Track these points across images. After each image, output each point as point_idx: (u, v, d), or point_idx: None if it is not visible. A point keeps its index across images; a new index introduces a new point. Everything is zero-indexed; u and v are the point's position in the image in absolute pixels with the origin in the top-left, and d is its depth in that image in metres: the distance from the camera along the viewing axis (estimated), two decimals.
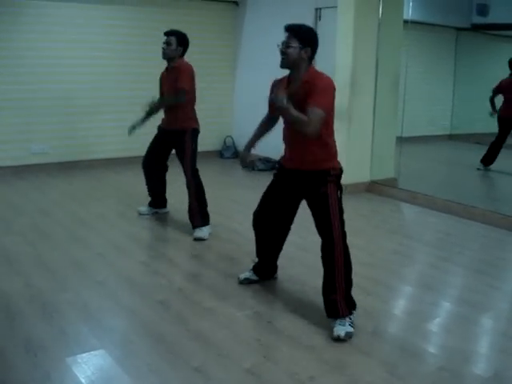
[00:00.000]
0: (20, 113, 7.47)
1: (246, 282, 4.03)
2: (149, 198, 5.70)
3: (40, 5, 7.41)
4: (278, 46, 3.41)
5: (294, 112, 3.19)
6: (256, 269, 4.05)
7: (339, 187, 3.43)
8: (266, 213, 3.76)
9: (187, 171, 5.12)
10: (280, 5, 8.08)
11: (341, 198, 3.43)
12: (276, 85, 3.55)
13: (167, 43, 5.12)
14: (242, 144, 8.94)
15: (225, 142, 9.15)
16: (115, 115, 8.07)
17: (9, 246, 4.73)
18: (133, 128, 5.35)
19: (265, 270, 4.05)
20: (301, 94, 3.30)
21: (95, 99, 7.96)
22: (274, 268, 4.08)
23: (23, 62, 7.39)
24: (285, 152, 3.63)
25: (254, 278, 4.05)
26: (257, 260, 4.04)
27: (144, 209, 5.74)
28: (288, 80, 3.46)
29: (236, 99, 9.23)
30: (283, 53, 3.38)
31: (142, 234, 5.30)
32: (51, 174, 7.49)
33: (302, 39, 3.36)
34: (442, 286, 4.18)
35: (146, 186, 5.63)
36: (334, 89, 3.33)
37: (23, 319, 3.43)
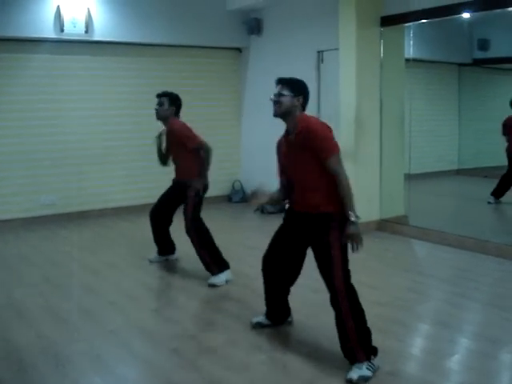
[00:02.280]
0: (28, 165, 7.55)
1: (258, 326, 3.99)
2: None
3: (47, 58, 7.57)
4: (271, 98, 3.51)
5: (352, 208, 3.28)
6: (268, 314, 4.01)
7: (342, 234, 3.34)
8: (275, 257, 3.74)
9: (186, 222, 5.13)
10: (282, 49, 8.21)
11: (346, 245, 3.36)
12: (278, 146, 3.68)
13: (159, 104, 5.26)
14: (250, 188, 9.06)
15: (233, 186, 9.17)
16: (123, 164, 8.15)
17: (20, 298, 4.72)
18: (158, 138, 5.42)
19: (276, 315, 4.00)
20: (299, 142, 3.38)
21: (103, 149, 8.05)
22: (287, 312, 4.03)
23: (31, 114, 7.51)
24: (294, 195, 3.61)
25: (266, 322, 4.00)
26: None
27: (154, 256, 5.73)
28: (286, 132, 3.56)
29: (243, 143, 9.30)
30: (276, 102, 3.49)
31: (154, 281, 5.27)
32: (61, 225, 7.51)
33: (294, 88, 3.49)
34: (459, 323, 4.12)
35: (152, 235, 5.64)
36: (331, 130, 3.40)
37: (36, 371, 3.40)
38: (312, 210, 3.41)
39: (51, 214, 7.73)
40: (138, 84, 8.22)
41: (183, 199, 5.21)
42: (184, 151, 5.18)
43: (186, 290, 5.00)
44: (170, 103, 5.25)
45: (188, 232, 5.13)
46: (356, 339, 3.29)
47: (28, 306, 4.55)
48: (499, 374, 3.37)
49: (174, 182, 5.43)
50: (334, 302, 3.35)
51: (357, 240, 3.25)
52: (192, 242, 5.13)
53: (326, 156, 3.28)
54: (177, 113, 5.33)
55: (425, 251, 6.24)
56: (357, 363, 3.28)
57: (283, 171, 3.65)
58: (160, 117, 5.29)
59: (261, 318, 4.02)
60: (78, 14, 7.34)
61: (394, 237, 6.67)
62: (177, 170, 5.39)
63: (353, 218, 3.23)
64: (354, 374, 3.21)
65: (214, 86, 8.95)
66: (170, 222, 5.55)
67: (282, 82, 3.55)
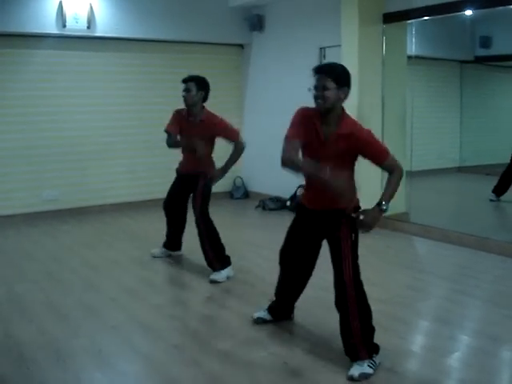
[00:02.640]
0: (30, 160, 7.55)
1: (259, 321, 3.98)
2: (162, 240, 5.69)
3: (49, 54, 7.57)
4: (310, 90, 3.25)
5: (390, 198, 3.18)
6: (272, 309, 3.99)
7: (354, 230, 3.33)
8: (292, 250, 3.69)
9: (196, 215, 5.09)
10: (284, 45, 8.21)
11: (356, 241, 3.35)
12: (306, 118, 3.31)
13: (187, 90, 5.01)
14: (251, 184, 9.07)
15: (234, 182, 9.18)
16: (125, 160, 8.15)
17: (22, 294, 4.73)
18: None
19: (281, 311, 3.99)
20: (340, 145, 3.23)
21: (105, 145, 8.05)
22: (291, 309, 4.03)
23: (33, 110, 7.51)
24: (307, 192, 3.55)
25: (268, 317, 4.00)
26: (274, 299, 3.99)
27: (157, 251, 5.73)
28: (320, 118, 3.29)
29: (245, 139, 9.27)
30: (319, 97, 3.20)
31: (155, 277, 5.28)
32: (63, 220, 7.52)
33: (338, 79, 3.21)
34: (460, 320, 4.12)
35: (165, 227, 5.61)
36: (369, 130, 3.29)
37: (37, 367, 3.41)
38: (328, 207, 3.37)
39: (53, 209, 7.73)
40: (139, 80, 8.23)
41: (191, 189, 5.17)
42: (208, 143, 5.09)
43: (188, 285, 5.01)
44: (197, 88, 4.99)
45: (197, 222, 5.08)
46: (360, 337, 3.29)
47: (29, 301, 4.56)
48: (499, 372, 3.37)
49: (182, 174, 5.32)
50: (342, 299, 3.35)
51: (369, 228, 3.19)
52: (199, 233, 5.08)
53: (382, 161, 3.23)
54: (205, 98, 5.11)
55: (426, 248, 6.24)
56: (359, 361, 3.28)
57: (304, 134, 3.29)
58: (189, 104, 5.04)
59: (262, 314, 4.01)
60: (81, 10, 7.33)
61: (394, 234, 6.67)
62: (191, 161, 5.20)
63: (384, 207, 3.15)
64: (356, 372, 3.21)
65: (215, 82, 8.78)
66: (186, 209, 5.46)
67: (322, 71, 3.22)
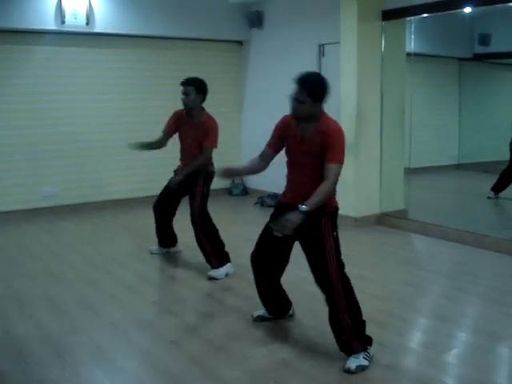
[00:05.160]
0: (30, 157, 7.56)
1: (259, 319, 4.00)
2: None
3: (48, 50, 7.57)
4: (287, 96, 3.38)
5: (313, 205, 3.16)
6: (267, 308, 4.01)
7: (334, 228, 3.40)
8: (263, 254, 3.71)
9: (195, 214, 5.06)
10: (283, 42, 8.20)
11: (337, 238, 3.41)
12: (286, 125, 3.52)
13: (185, 93, 5.03)
14: (250, 181, 9.07)
15: (233, 179, 9.17)
16: (124, 157, 8.14)
17: (21, 289, 4.74)
18: (136, 146, 5.24)
19: (275, 308, 4.00)
20: (317, 141, 3.32)
21: (104, 141, 8.05)
22: (287, 305, 4.04)
23: (32, 106, 7.51)
24: (286, 188, 3.62)
25: (267, 315, 4.01)
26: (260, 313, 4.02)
27: (155, 248, 5.73)
28: (297, 120, 3.44)
29: (243, 137, 9.30)
30: (293, 108, 3.37)
31: (154, 273, 5.29)
32: (62, 217, 7.52)
33: (313, 94, 3.30)
34: (457, 317, 4.13)
35: (154, 226, 5.63)
36: (344, 136, 3.36)
37: (36, 362, 3.41)
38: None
39: (52, 205, 7.75)
40: (138, 76, 8.23)
41: (188, 189, 5.15)
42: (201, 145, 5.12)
43: (187, 282, 5.01)
44: (196, 91, 5.01)
45: (194, 220, 5.06)
46: (352, 332, 3.32)
47: (28, 297, 4.57)
48: (497, 368, 3.38)
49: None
50: (330, 296, 3.36)
51: (286, 228, 3.14)
52: (196, 231, 5.07)
53: (330, 160, 3.25)
54: (203, 100, 5.13)
55: (424, 245, 6.25)
56: (354, 354, 3.31)
57: (274, 146, 3.60)
58: (188, 107, 5.08)
59: (262, 312, 4.02)
60: (79, 6, 7.33)
61: (393, 231, 6.68)
62: (190, 162, 5.18)
63: (305, 209, 3.13)
64: (352, 364, 3.25)
65: (214, 78, 8.89)
66: (173, 214, 5.51)
67: (300, 83, 3.32)
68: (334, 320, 3.38)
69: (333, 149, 3.27)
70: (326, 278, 3.35)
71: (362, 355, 3.30)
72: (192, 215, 5.09)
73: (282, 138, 3.55)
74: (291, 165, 3.55)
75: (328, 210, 3.38)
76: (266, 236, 3.66)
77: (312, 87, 3.32)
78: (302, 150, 3.42)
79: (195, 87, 5.03)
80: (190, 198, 5.16)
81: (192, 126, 5.14)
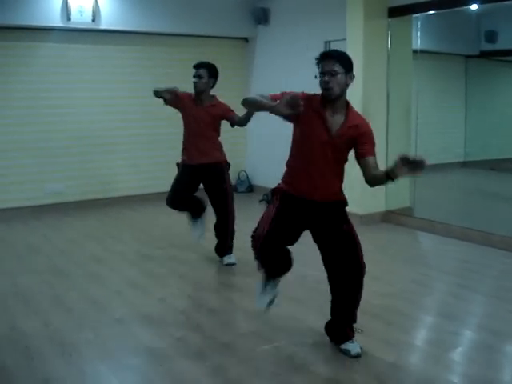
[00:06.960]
0: (35, 153, 7.56)
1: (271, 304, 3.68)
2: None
3: (54, 47, 7.57)
4: (316, 77, 3.23)
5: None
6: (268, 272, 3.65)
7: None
8: (277, 241, 3.39)
9: (229, 214, 5.11)
10: (289, 39, 8.19)
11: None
12: (310, 101, 3.22)
13: (198, 76, 5.01)
14: (255, 178, 9.07)
15: (239, 176, 9.17)
16: (130, 153, 8.16)
17: (27, 286, 4.75)
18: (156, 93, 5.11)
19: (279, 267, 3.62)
20: (348, 135, 3.22)
21: (109, 138, 8.05)
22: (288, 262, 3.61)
23: (38, 103, 7.52)
24: (294, 179, 3.42)
25: (274, 293, 3.64)
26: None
27: (197, 233, 5.39)
28: (322, 104, 3.24)
29: (248, 134, 9.29)
30: (329, 82, 3.13)
31: (159, 270, 5.29)
32: (67, 213, 7.53)
33: (345, 64, 3.20)
34: (463, 315, 4.13)
35: (182, 214, 5.41)
36: None
37: (42, 359, 3.43)
38: (330, 199, 3.33)
39: (58, 202, 7.75)
40: (144, 73, 8.21)
41: (211, 183, 5.11)
42: (215, 132, 5.13)
43: (192, 279, 5.02)
44: (209, 75, 5.02)
45: (223, 216, 5.14)
46: (355, 321, 3.47)
47: (34, 294, 4.58)
48: (503, 367, 3.38)
49: (195, 165, 5.09)
50: (357, 283, 3.37)
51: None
52: (228, 218, 5.14)
53: (373, 154, 3.24)
54: (213, 85, 5.12)
55: (430, 243, 6.24)
56: (349, 340, 3.44)
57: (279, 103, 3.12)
58: (199, 90, 5.02)
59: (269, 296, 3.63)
60: (85, 3, 7.32)
61: (398, 228, 6.67)
62: (200, 149, 5.07)
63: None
64: (357, 347, 3.39)
65: (220, 75, 8.91)
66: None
67: (329, 56, 3.16)
68: (349, 309, 3.44)
69: (370, 141, 3.25)
70: (357, 266, 3.35)
71: (354, 338, 3.45)
72: (224, 214, 5.13)
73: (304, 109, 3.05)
74: (310, 155, 3.28)
75: (346, 205, 3.42)
76: (281, 225, 3.36)
77: (341, 56, 3.22)
78: (330, 143, 3.22)
79: (208, 70, 5.05)
80: (218, 197, 5.13)
81: (204, 110, 5.07)
